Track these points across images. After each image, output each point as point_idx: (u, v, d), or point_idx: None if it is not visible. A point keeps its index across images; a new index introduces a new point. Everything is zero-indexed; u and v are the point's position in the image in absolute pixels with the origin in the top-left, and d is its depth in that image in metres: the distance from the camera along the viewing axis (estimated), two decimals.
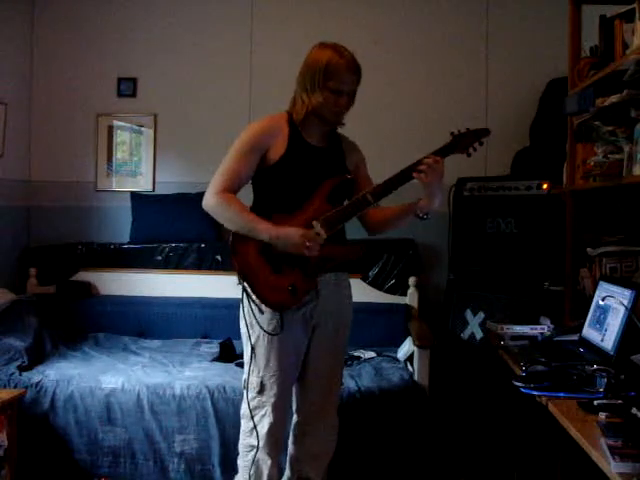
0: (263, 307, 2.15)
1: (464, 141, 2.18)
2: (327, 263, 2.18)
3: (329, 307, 2.25)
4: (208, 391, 2.82)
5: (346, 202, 2.24)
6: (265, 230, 2.09)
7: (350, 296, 2.38)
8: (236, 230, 2.15)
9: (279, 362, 2.17)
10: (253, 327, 2.18)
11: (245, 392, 2.23)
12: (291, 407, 2.36)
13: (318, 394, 2.31)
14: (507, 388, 2.14)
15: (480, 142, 2.20)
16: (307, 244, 2.07)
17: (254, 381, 2.19)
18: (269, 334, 2.15)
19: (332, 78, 2.13)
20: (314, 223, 2.13)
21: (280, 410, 2.21)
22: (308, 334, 2.25)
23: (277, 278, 2.13)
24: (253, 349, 2.18)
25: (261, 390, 2.19)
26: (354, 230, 2.35)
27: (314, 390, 2.31)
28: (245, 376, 2.23)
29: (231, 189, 2.16)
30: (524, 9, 3.93)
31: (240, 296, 2.20)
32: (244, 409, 2.24)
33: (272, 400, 2.18)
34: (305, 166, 2.18)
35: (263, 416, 2.19)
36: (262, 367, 2.18)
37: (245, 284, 2.15)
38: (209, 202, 2.15)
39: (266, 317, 2.15)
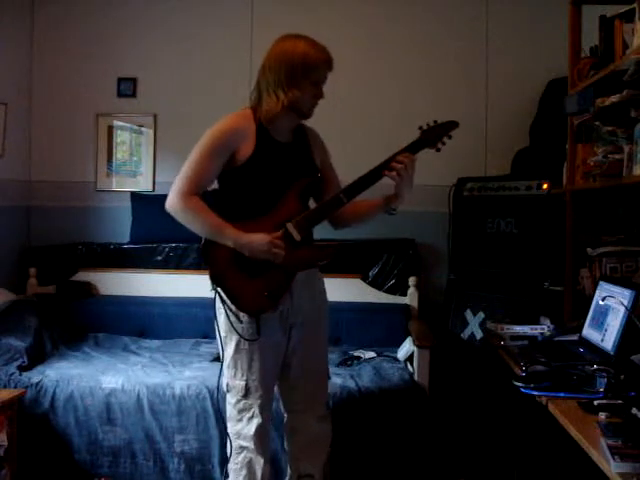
0: (240, 314, 2.13)
1: (432, 135, 2.15)
2: (300, 265, 2.17)
3: (303, 304, 2.23)
4: (208, 391, 2.81)
5: (313, 203, 2.23)
6: (231, 236, 2.07)
7: (323, 290, 2.35)
8: (201, 235, 2.13)
9: (261, 364, 2.17)
10: (231, 333, 2.16)
11: (229, 395, 2.22)
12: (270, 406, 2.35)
13: (303, 390, 2.31)
14: (507, 388, 2.14)
15: (449, 136, 2.16)
16: (273, 250, 2.06)
17: (238, 385, 2.19)
18: (247, 340, 2.14)
19: (312, 70, 2.09)
20: (288, 225, 2.11)
21: (266, 410, 2.22)
22: (286, 334, 2.23)
23: (252, 283, 2.11)
24: (234, 354, 2.17)
25: (246, 393, 2.18)
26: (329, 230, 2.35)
27: (298, 387, 2.31)
28: (227, 380, 2.22)
29: (196, 192, 2.12)
30: (524, 9, 3.93)
31: (214, 303, 2.19)
32: (230, 412, 2.24)
33: (258, 402, 2.18)
34: (274, 165, 2.14)
35: (251, 418, 2.19)
36: (245, 370, 2.17)
37: (219, 290, 2.13)
38: (173, 205, 2.11)
39: (244, 323, 2.14)
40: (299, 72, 2.08)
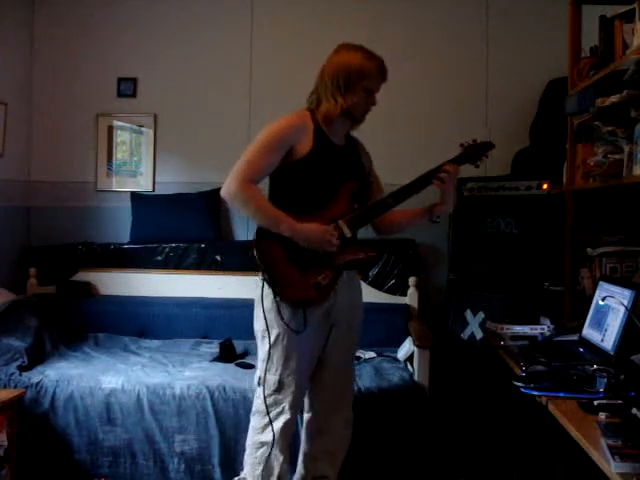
0: (282, 305, 2.15)
1: (474, 152, 2.29)
2: (350, 263, 2.22)
3: (345, 304, 2.28)
4: (208, 391, 2.81)
5: (355, 204, 2.27)
6: (287, 225, 2.12)
7: (361, 293, 2.43)
8: (258, 223, 2.17)
9: (298, 361, 2.20)
10: (274, 325, 2.18)
11: (259, 389, 2.24)
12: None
13: (334, 391, 2.34)
14: (507, 388, 2.14)
15: (486, 155, 2.30)
16: (328, 238, 2.12)
17: (271, 379, 2.20)
18: (294, 332, 2.15)
19: (366, 78, 2.20)
20: (340, 222, 2.18)
21: (296, 408, 2.25)
22: (326, 332, 2.27)
23: (302, 276, 2.15)
24: (271, 347, 2.19)
25: (279, 388, 2.20)
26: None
27: (330, 387, 2.34)
28: (260, 374, 2.24)
29: (256, 181, 2.17)
30: (524, 9, 3.93)
31: (260, 293, 2.20)
32: (258, 405, 2.25)
33: (289, 398, 2.20)
34: (329, 164, 2.22)
35: (280, 413, 2.21)
36: (281, 365, 2.19)
37: (270, 281, 2.16)
38: (233, 191, 2.13)
39: (290, 315, 2.16)
40: (355, 79, 2.19)
